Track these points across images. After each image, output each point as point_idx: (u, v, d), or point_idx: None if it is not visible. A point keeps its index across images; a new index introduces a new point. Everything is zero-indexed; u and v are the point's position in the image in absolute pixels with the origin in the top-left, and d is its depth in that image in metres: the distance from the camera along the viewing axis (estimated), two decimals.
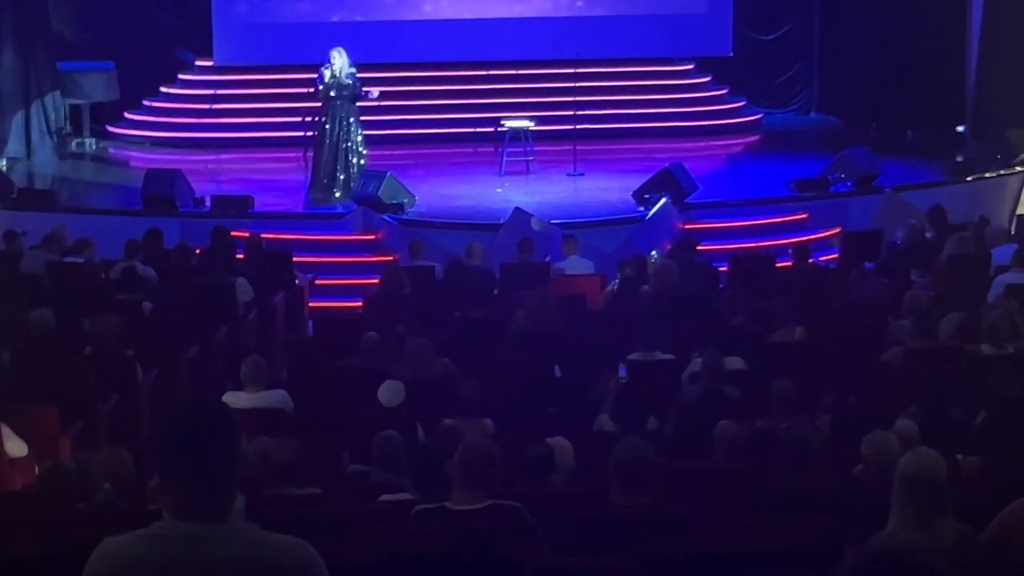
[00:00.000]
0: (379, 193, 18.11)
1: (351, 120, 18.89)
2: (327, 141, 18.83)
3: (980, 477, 7.95)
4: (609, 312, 13.85)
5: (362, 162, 18.98)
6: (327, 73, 18.68)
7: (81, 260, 15.33)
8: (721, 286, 15.09)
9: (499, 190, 19.96)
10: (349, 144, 18.86)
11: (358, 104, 18.98)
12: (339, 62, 18.67)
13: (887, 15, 23.83)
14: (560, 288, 14.69)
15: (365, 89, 18.86)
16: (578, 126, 21.32)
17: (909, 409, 9.15)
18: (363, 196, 18.35)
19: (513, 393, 11.05)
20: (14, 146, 21.94)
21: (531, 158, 20.92)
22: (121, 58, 23.63)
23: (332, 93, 18.70)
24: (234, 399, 10.33)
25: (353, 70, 18.76)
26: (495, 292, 14.72)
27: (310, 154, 19.31)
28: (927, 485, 5.90)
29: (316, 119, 19.18)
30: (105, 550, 3.75)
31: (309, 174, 19.26)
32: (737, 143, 24.14)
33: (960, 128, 22.22)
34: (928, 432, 8.40)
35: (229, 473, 3.75)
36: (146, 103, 24.08)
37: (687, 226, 18.14)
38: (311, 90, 19.11)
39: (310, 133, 19.41)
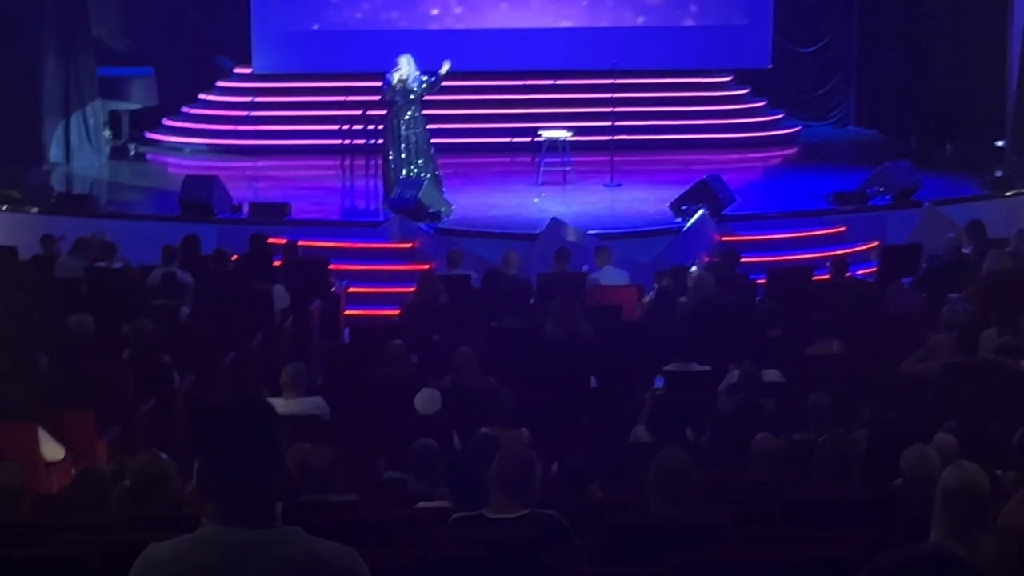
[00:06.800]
0: (418, 198, 18.12)
1: (419, 122, 18.96)
2: (397, 143, 18.90)
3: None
4: (645, 323, 13.81)
5: (432, 167, 19.07)
6: (394, 77, 18.77)
7: (118, 265, 15.39)
8: (758, 298, 15.04)
9: (536, 200, 19.95)
10: (417, 144, 18.93)
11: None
12: (406, 68, 18.76)
13: (926, 28, 23.74)
14: (596, 298, 14.65)
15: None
16: (616, 137, 21.29)
17: (948, 423, 9.10)
18: (400, 204, 18.36)
19: (549, 403, 11.03)
20: (54, 151, 22.06)
21: (568, 168, 20.91)
22: (161, 65, 23.77)
23: (398, 99, 18.78)
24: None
25: (419, 74, 18.84)
26: (531, 302, 14.68)
27: (377, 161, 19.47)
28: (970, 499, 5.85)
29: (380, 126, 19.39)
30: (152, 555, 3.71)
31: (383, 179, 19.33)
32: (775, 155, 24.08)
33: (1000, 142, 22.10)
34: (967, 446, 8.35)
35: (273, 473, 3.70)
36: (185, 110, 24.19)
37: (724, 238, 18.09)
38: (377, 97, 19.29)
39: (377, 141, 19.61)
